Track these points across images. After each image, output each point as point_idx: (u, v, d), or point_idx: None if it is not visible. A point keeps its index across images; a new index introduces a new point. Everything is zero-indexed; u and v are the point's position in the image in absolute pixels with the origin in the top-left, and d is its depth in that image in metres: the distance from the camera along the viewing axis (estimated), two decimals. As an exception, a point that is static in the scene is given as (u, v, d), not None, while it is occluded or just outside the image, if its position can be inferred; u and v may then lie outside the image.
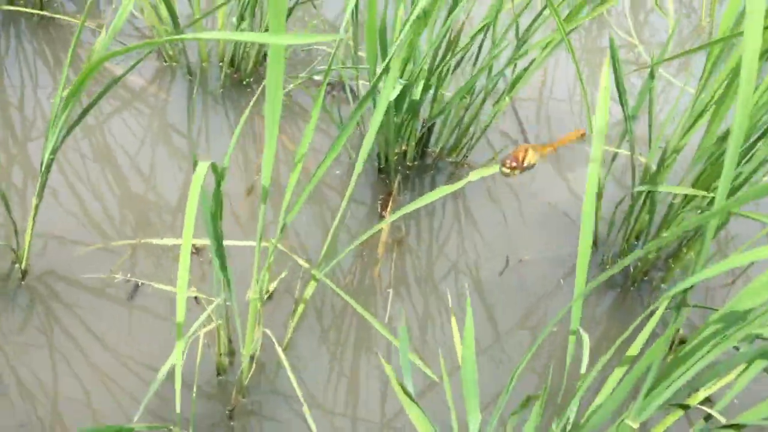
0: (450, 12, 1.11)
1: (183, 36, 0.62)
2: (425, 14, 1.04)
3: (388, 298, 1.28)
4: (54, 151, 1.05)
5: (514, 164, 1.39)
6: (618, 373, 0.91)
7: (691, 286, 0.70)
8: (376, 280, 1.31)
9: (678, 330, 1.28)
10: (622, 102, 1.14)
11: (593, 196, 0.82)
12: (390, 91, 0.87)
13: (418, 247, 1.37)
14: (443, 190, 1.00)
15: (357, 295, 1.29)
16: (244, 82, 1.65)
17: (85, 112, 1.02)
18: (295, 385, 1.07)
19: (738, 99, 0.64)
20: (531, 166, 1.32)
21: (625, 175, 1.56)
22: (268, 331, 1.09)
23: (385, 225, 1.38)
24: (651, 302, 1.33)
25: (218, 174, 0.82)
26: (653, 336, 1.28)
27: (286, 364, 1.05)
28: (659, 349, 0.76)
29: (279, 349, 1.06)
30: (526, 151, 1.30)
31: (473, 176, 1.01)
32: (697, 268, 0.72)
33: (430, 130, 1.49)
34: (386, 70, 0.90)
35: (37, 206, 1.12)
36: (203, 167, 0.76)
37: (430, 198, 1.01)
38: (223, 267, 0.94)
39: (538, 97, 1.74)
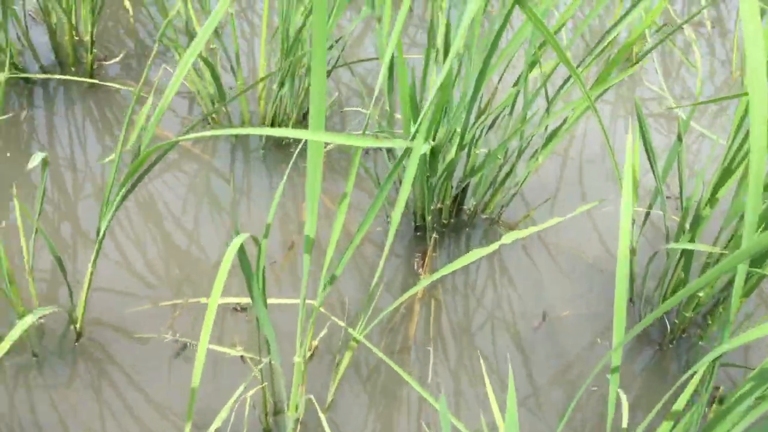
0: (479, 79, 1.15)
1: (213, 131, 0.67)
2: (447, 82, 1.08)
3: (429, 357, 1.30)
4: (109, 221, 1.11)
5: None
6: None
7: (720, 356, 0.72)
8: (413, 338, 1.34)
9: (718, 388, 1.27)
10: (652, 166, 1.16)
11: (626, 261, 0.84)
12: (418, 154, 0.91)
13: (454, 304, 1.40)
14: (476, 254, 1.03)
15: (396, 354, 1.31)
16: (284, 142, 1.71)
17: (134, 185, 1.08)
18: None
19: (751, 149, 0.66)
20: None
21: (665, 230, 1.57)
22: (305, 397, 1.11)
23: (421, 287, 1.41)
24: (689, 359, 1.33)
25: (260, 247, 0.86)
26: (696, 395, 1.27)
27: (327, 428, 1.07)
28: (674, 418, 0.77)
29: (320, 413, 1.08)
30: None
31: (506, 239, 1.04)
32: (725, 335, 0.73)
33: (465, 188, 1.52)
34: (415, 134, 0.94)
35: (92, 273, 1.18)
36: (240, 240, 0.80)
37: (463, 262, 1.04)
38: (268, 329, 0.97)
39: (572, 153, 1.76)
